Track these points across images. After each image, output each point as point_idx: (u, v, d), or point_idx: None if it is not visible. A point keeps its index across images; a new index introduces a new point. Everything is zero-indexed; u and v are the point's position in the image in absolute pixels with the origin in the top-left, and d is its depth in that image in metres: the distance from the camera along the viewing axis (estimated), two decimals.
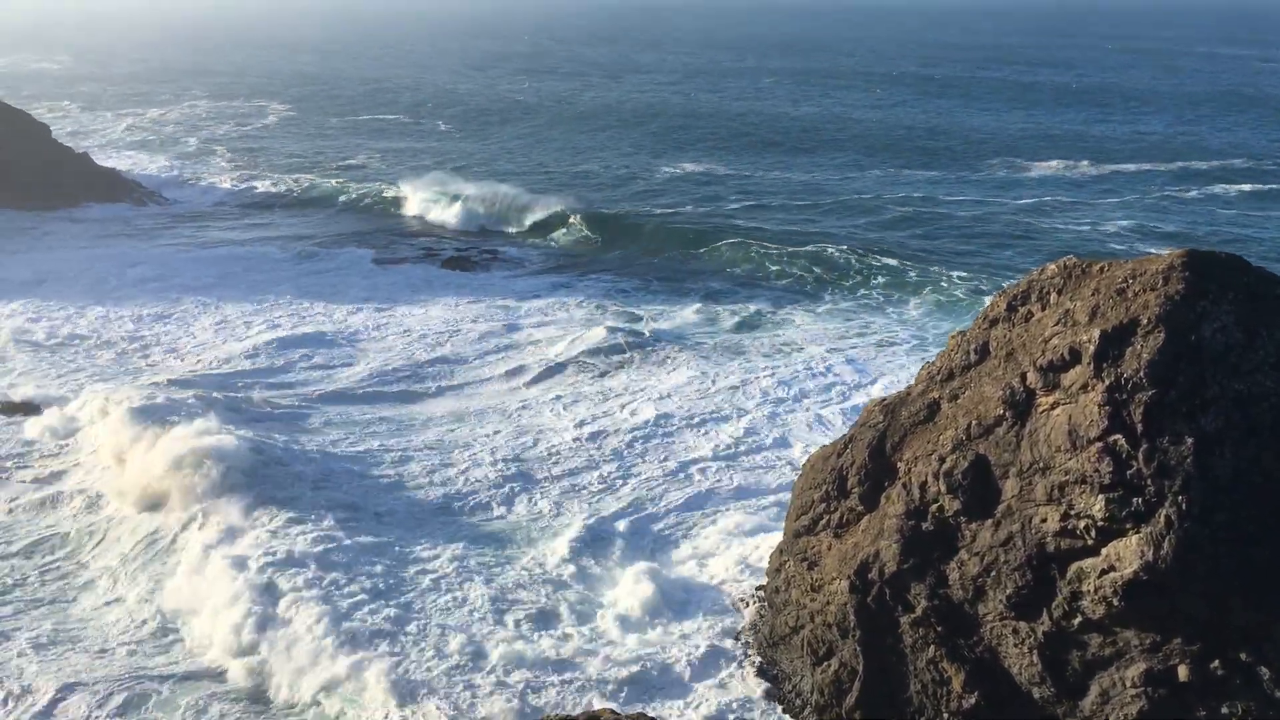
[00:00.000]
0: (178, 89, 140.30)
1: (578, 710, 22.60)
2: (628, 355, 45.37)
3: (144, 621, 26.73)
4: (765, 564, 28.51)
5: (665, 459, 35.66)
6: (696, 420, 38.73)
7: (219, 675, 24.62)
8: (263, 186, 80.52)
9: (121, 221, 69.49)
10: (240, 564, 28.15)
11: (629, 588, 28.12)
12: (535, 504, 32.73)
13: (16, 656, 25.03)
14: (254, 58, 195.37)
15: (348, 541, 29.77)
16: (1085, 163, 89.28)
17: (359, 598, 27.24)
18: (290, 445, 35.53)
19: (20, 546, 30.03)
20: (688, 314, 51.53)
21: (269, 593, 27.15)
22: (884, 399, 26.03)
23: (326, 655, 24.86)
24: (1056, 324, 21.47)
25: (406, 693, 23.87)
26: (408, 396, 41.04)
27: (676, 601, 27.82)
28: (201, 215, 72.81)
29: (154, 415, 35.79)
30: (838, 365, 44.25)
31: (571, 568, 29.29)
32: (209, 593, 27.10)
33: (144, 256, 60.06)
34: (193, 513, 30.95)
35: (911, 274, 57.05)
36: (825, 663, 23.43)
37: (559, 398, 41.02)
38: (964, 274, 57.22)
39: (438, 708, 23.39)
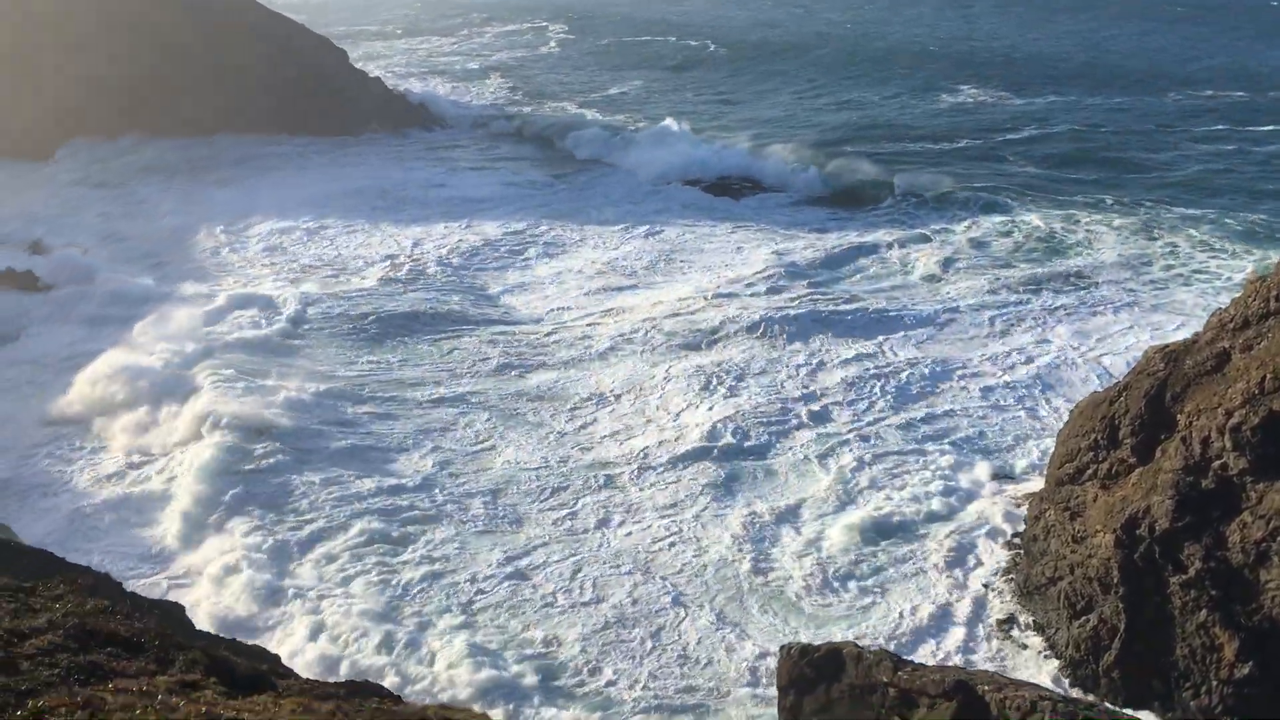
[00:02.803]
0: (465, 16, 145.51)
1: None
2: (911, 282, 44.59)
3: None
4: (1023, 510, 27.57)
5: (915, 399, 34.75)
6: (966, 358, 37.49)
7: None
8: (537, 112, 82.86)
9: (408, 144, 73.30)
10: None
11: (859, 525, 27.94)
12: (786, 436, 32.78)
13: None
14: None
15: None
16: None
17: None
18: None
19: None
20: (972, 238, 49.76)
21: None
22: (1166, 345, 24.44)
23: None
24: None
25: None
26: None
27: (926, 543, 27.36)
28: (477, 140, 75.49)
29: None
30: (1127, 304, 41.81)
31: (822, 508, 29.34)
32: None
33: (417, 178, 63.26)
34: None
35: (1211, 210, 52.57)
36: (1084, 617, 22.50)
37: (828, 327, 40.57)
38: (1272, 210, 52.26)
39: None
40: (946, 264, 47.23)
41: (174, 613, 14.84)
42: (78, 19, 68.98)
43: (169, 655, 11.16)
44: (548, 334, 40.39)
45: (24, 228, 53.73)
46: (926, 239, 50.65)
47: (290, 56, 75.34)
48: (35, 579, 13.08)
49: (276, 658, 15.35)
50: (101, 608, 12.17)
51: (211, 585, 25.88)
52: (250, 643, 17.43)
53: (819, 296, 43.25)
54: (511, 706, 22.17)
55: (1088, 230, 51.01)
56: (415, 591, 25.74)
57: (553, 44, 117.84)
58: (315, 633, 24.10)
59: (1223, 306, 24.14)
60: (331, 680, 15.47)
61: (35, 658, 9.96)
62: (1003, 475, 30.23)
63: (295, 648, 23.42)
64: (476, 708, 20.44)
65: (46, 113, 65.68)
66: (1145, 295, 42.98)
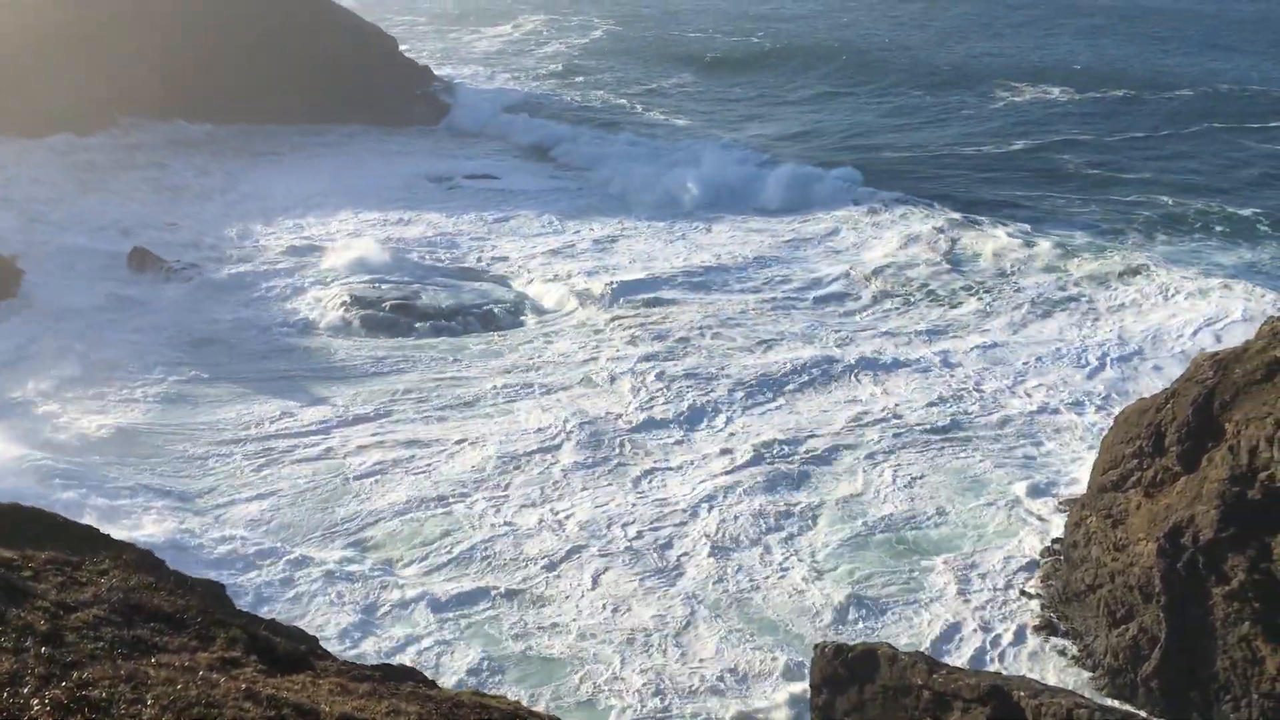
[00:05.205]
0: (513, 6, 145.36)
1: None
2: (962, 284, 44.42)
3: None
4: (1063, 516, 27.29)
5: (951, 403, 34.56)
6: (1002, 362, 37.29)
7: None
8: (582, 106, 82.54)
9: (453, 136, 73.06)
10: None
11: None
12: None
13: None
14: None
15: None
16: None
17: None
18: None
19: None
20: (1045, 246, 49.00)
21: None
22: (1216, 353, 24.10)
23: None
24: None
25: None
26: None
27: (963, 546, 27.17)
28: (520, 134, 74.34)
29: None
30: (1167, 309, 41.43)
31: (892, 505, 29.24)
32: None
33: (462, 168, 63.10)
34: None
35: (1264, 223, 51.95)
36: (1123, 626, 22.26)
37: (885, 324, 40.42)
38: None
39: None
40: (967, 271, 46.89)
41: (215, 591, 15.01)
42: (141, 4, 69.60)
43: (210, 632, 11.29)
44: (601, 324, 40.53)
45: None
46: (1002, 234, 50.22)
47: (341, 45, 75.67)
48: (81, 553, 13.26)
49: (315, 639, 15.47)
50: (146, 583, 12.31)
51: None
52: (289, 623, 17.59)
53: (860, 310, 43.14)
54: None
55: (1130, 235, 50.55)
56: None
57: (599, 33, 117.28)
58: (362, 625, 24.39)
59: (1275, 315, 23.75)
60: (368, 664, 15.60)
61: (80, 630, 10.08)
62: (1043, 480, 29.93)
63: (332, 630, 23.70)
64: (510, 695, 20.50)
65: (100, 92, 66.25)
66: (1185, 301, 42.34)
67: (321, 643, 19.18)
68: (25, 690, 8.11)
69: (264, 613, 22.63)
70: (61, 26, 66.04)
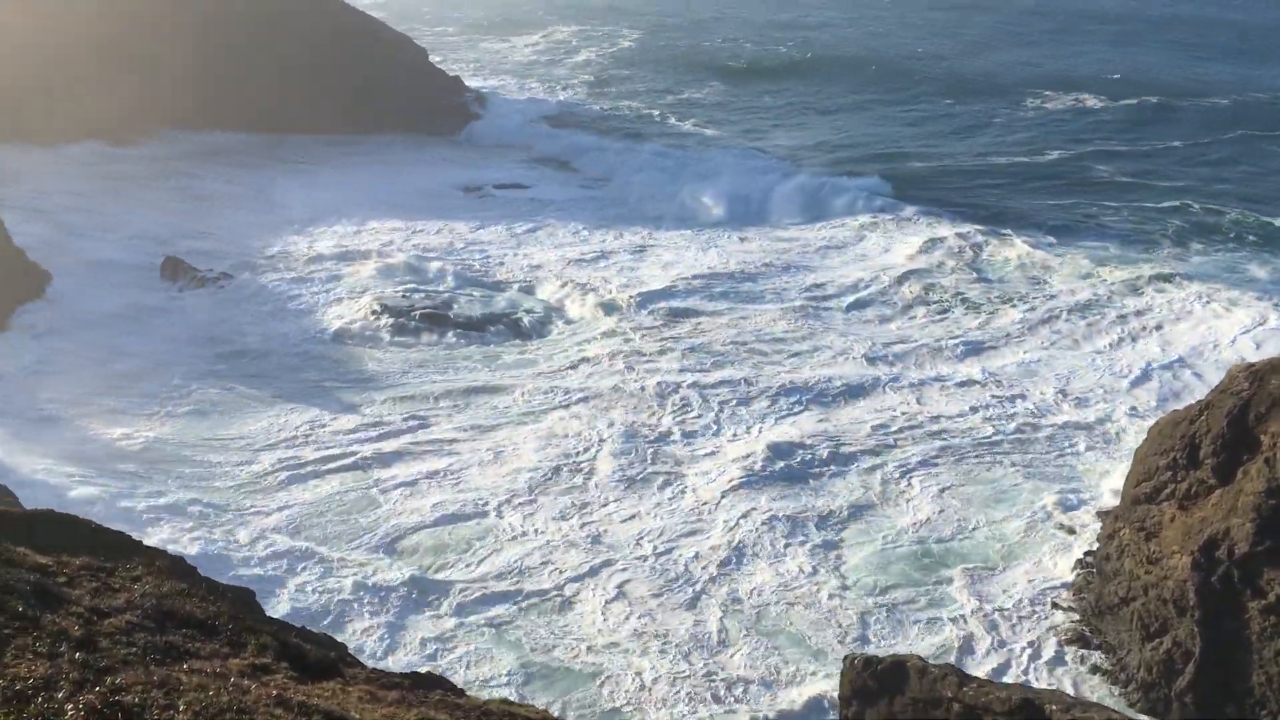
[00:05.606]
0: (543, 16, 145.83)
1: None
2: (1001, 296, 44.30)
3: None
4: (1096, 528, 27.05)
5: (983, 412, 34.35)
6: (1034, 375, 37.06)
7: None
8: (610, 115, 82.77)
9: (484, 145, 73.46)
10: None
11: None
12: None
13: None
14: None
15: None
16: None
17: None
18: None
19: None
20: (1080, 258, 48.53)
21: None
22: (1252, 364, 23.84)
23: None
24: None
25: None
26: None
27: (994, 557, 26.96)
28: (550, 143, 74.66)
29: None
30: (1205, 316, 41.08)
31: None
32: None
33: (492, 178, 63.50)
34: None
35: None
36: (1157, 640, 22.02)
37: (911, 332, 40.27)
38: None
39: None
40: (999, 281, 46.65)
41: (245, 597, 15.10)
42: (172, 13, 70.34)
43: (242, 639, 11.36)
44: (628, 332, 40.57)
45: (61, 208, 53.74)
46: (1034, 246, 49.86)
47: (373, 55, 76.14)
48: (114, 559, 13.37)
49: (344, 646, 15.54)
50: (178, 590, 12.41)
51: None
52: (318, 631, 17.67)
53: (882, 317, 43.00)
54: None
55: (1164, 244, 50.20)
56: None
57: (628, 42, 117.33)
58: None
59: None
60: (397, 671, 15.63)
61: (114, 636, 10.17)
62: (1075, 492, 29.67)
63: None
64: (539, 703, 20.52)
65: (133, 103, 66.93)
66: (1220, 310, 41.94)
67: (350, 650, 19.26)
68: (60, 695, 8.19)
69: (294, 619, 22.75)
70: (95, 38, 66.77)
